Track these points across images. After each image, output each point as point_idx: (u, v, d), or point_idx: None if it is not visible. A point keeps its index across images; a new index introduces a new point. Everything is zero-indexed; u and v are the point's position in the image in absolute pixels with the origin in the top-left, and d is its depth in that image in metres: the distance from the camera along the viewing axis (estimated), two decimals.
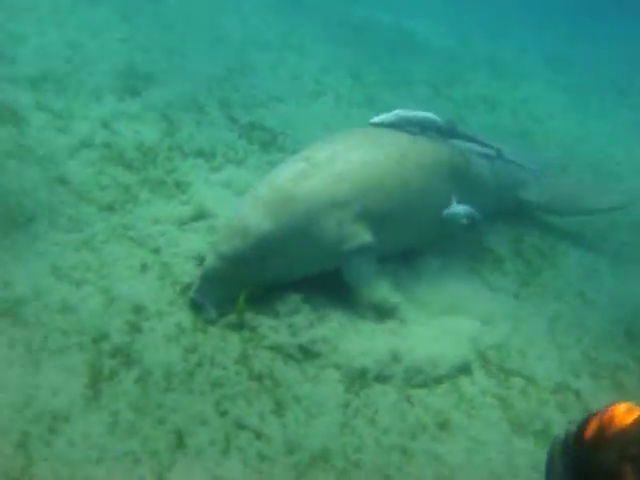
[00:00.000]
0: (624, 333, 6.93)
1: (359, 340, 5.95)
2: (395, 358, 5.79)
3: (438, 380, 5.77)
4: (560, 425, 5.45)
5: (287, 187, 6.28)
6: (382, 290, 6.44)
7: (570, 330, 6.80)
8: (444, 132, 7.40)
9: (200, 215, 7.03)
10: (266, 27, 13.79)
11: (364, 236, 6.43)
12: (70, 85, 9.27)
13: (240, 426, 5.05)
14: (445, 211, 6.89)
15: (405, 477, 4.94)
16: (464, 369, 5.93)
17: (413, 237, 7.06)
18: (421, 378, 5.74)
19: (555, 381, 6.11)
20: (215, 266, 6.02)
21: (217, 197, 7.32)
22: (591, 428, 1.51)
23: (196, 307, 5.93)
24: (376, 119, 7.29)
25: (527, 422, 5.61)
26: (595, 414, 1.56)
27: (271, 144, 9.10)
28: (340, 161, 6.58)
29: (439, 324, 6.29)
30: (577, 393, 6.04)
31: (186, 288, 6.10)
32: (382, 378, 5.68)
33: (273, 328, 5.88)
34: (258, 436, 5.01)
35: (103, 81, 9.67)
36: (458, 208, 6.88)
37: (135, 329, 5.63)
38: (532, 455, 5.29)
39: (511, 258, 7.83)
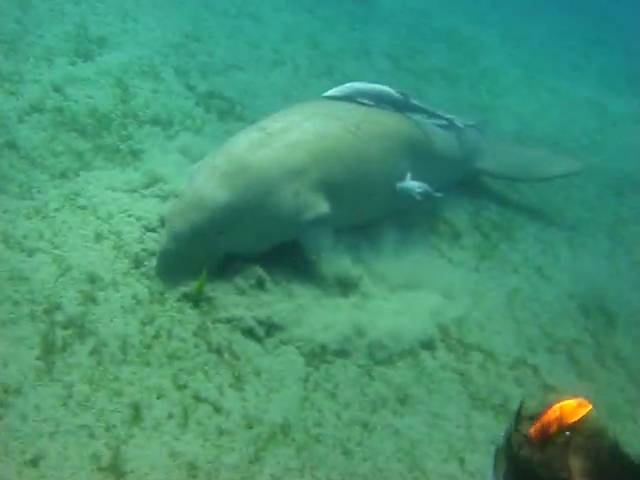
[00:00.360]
0: (580, 308, 6.99)
1: (321, 314, 5.86)
2: (358, 332, 5.74)
3: (400, 355, 5.72)
4: (518, 400, 5.47)
5: (242, 157, 6.15)
6: (343, 263, 6.38)
7: (528, 305, 6.83)
8: (399, 105, 7.35)
9: (155, 182, 6.85)
10: None
11: (321, 206, 6.36)
12: (20, 47, 8.93)
13: (199, 399, 4.94)
14: (399, 184, 6.89)
15: (366, 451, 4.90)
16: (426, 344, 5.90)
17: (370, 209, 7.01)
18: (383, 353, 5.70)
19: (513, 356, 6.13)
20: (171, 247, 5.85)
21: (173, 164, 7.14)
22: (540, 426, 1.46)
23: (153, 280, 5.77)
24: (330, 92, 7.21)
25: (486, 397, 5.62)
26: (542, 412, 1.51)
27: (229, 113, 8.90)
28: (296, 131, 6.50)
29: (401, 298, 6.25)
30: (534, 368, 6.07)
31: (142, 259, 5.93)
32: (343, 353, 5.63)
33: (233, 301, 5.76)
34: (217, 410, 4.92)
35: (54, 44, 9.33)
36: (411, 184, 6.88)
37: (89, 299, 5.46)
38: (491, 429, 5.30)
39: (469, 232, 7.83)
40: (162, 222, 6.17)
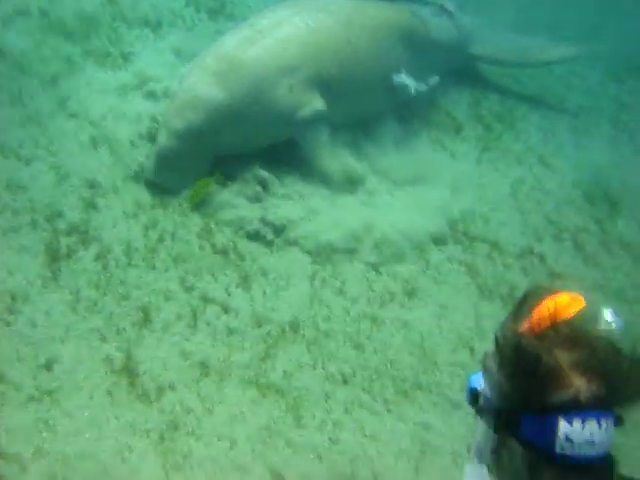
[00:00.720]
0: (584, 195, 6.92)
1: (329, 213, 5.80)
2: (366, 229, 5.68)
3: (408, 250, 5.68)
4: (524, 288, 5.47)
5: (234, 54, 6.02)
6: (345, 160, 6.28)
7: (532, 194, 6.76)
8: None
9: (146, 83, 6.67)
10: None
11: (316, 103, 6.23)
12: None
13: (206, 300, 4.93)
14: (396, 78, 6.75)
15: (375, 344, 4.92)
16: (435, 238, 5.85)
17: (366, 104, 6.81)
18: (391, 249, 5.65)
19: (519, 245, 6.10)
20: (169, 144, 5.75)
21: (164, 65, 6.96)
22: (532, 321, 1.41)
23: (153, 185, 5.69)
24: None
25: (493, 287, 5.61)
26: (534, 305, 1.46)
27: (220, 12, 8.59)
28: (286, 26, 6.33)
29: (407, 194, 6.18)
30: (540, 257, 6.05)
31: (139, 163, 5.84)
32: (350, 250, 5.57)
33: (237, 203, 5.69)
34: (225, 310, 4.92)
35: None
36: (407, 80, 6.73)
37: (90, 206, 5.40)
38: (499, 318, 5.26)
39: (470, 123, 7.68)
40: (157, 123, 6.04)
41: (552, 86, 8.83)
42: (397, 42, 6.93)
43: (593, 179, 7.06)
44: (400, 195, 6.11)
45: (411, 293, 5.35)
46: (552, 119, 8.13)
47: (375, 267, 5.50)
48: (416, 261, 5.65)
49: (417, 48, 7.08)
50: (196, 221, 5.50)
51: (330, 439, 4.23)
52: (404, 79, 6.72)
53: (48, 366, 4.29)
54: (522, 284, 5.65)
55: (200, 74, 5.96)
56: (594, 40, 9.97)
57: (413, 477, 4.13)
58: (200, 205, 5.58)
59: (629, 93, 9.10)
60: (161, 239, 5.26)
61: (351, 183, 6.16)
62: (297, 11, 6.52)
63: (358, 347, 4.87)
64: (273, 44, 6.14)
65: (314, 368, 4.65)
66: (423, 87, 6.84)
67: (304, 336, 4.84)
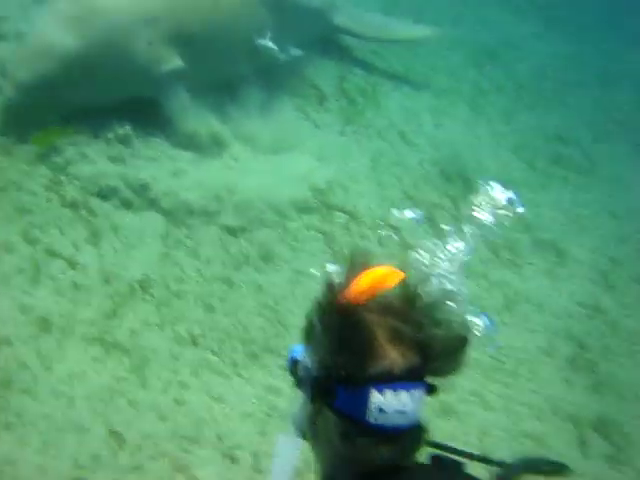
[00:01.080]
0: (440, 173, 7.06)
1: (191, 175, 5.61)
2: (228, 192, 5.54)
3: (267, 215, 5.59)
4: (380, 258, 5.53)
5: (89, 0, 5.60)
6: (210, 122, 6.11)
7: (391, 169, 6.83)
8: None
9: None
10: None
11: (176, 60, 5.96)
12: None
13: (52, 254, 4.68)
14: (259, 40, 6.63)
15: (228, 307, 4.83)
16: (296, 206, 5.79)
17: (227, 64, 6.60)
18: (252, 213, 5.54)
19: (375, 217, 6.14)
20: (16, 98, 5.38)
21: (15, 3, 6.52)
22: (351, 291, 1.41)
23: None
24: None
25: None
26: (354, 275, 1.45)
27: None
28: None
29: (272, 160, 6.07)
30: (395, 229, 6.11)
31: None
32: (208, 212, 5.43)
33: (93, 158, 5.42)
34: (72, 265, 4.69)
35: None
36: (270, 44, 6.65)
37: None
38: None
39: (335, 95, 7.66)
40: (2, 69, 5.65)
41: (417, 66, 8.95)
42: (261, 4, 6.77)
43: (450, 158, 7.21)
44: (264, 160, 6.00)
45: (266, 257, 5.27)
46: (415, 98, 8.25)
47: (233, 231, 5.38)
48: (275, 226, 5.56)
49: (280, 12, 6.89)
50: (44, 172, 5.20)
51: (175, 400, 4.11)
52: (268, 42, 6.60)
53: None
54: (377, 255, 5.70)
55: (51, 19, 5.54)
56: (458, 24, 10.26)
57: (258, 440, 4.07)
58: (48, 155, 5.25)
59: (487, 78, 9.36)
60: (4, 188, 4.94)
61: (216, 146, 5.98)
62: None
63: (209, 308, 4.77)
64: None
65: (162, 329, 4.51)
66: (283, 56, 6.72)
67: (154, 296, 4.69)
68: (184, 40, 6.02)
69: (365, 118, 7.44)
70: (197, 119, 6.03)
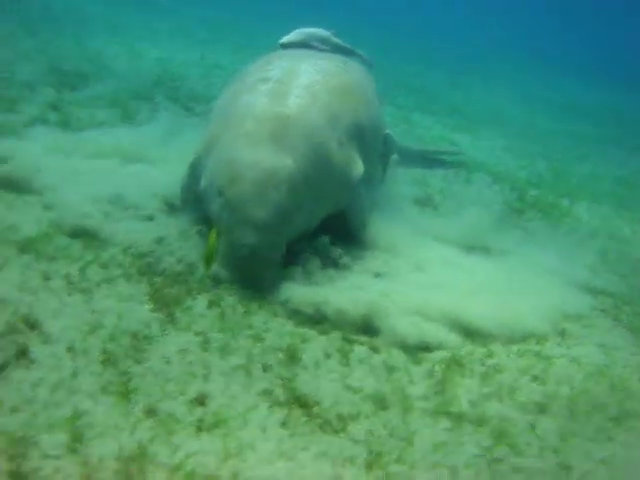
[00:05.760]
0: None
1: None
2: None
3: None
4: None
5: (277, 112, 4.97)
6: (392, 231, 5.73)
7: None
8: (333, 44, 6.90)
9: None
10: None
11: (360, 162, 5.41)
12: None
13: (350, 341, 4.22)
14: (387, 131, 6.62)
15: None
16: None
17: (374, 166, 6.18)
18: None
19: None
20: (264, 241, 4.56)
21: None
22: None
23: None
24: (285, 39, 6.75)
25: None
26: None
27: None
28: (301, 73, 5.46)
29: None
30: None
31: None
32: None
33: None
34: (375, 349, 4.19)
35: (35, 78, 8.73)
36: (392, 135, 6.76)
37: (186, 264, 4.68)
38: None
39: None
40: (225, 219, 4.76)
41: None
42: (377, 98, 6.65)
43: None
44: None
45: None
46: None
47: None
48: None
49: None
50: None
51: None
52: (391, 133, 6.64)
53: (200, 401, 3.43)
54: None
55: (250, 143, 4.81)
56: None
57: None
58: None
59: None
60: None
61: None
62: (294, 59, 5.80)
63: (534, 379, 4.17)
64: (305, 94, 5.21)
65: (501, 400, 3.92)
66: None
67: (473, 370, 4.12)
68: (359, 138, 5.58)
69: None
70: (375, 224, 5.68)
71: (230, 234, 4.60)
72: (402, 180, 7.74)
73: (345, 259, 5.20)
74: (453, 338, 4.43)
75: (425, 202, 7.23)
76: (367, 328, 4.40)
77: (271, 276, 4.63)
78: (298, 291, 4.57)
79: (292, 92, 5.20)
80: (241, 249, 4.54)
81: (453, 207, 7.24)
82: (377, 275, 5.14)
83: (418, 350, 4.28)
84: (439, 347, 4.34)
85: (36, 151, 5.92)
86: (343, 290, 4.66)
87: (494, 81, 18.43)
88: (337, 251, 5.20)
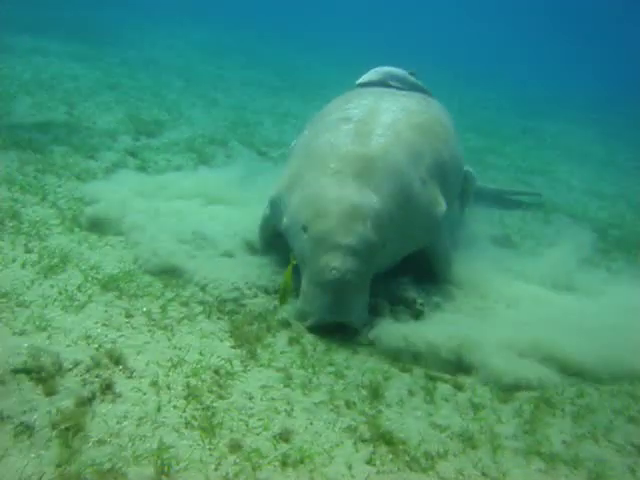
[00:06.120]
0: None
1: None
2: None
3: None
4: None
5: (359, 151, 4.98)
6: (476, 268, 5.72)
7: None
8: (410, 84, 6.83)
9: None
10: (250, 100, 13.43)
11: (442, 199, 5.36)
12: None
13: (433, 379, 4.10)
14: (467, 168, 6.67)
15: None
16: None
17: (454, 196, 6.23)
18: None
19: None
20: (352, 266, 4.44)
21: None
22: None
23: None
24: (362, 79, 6.76)
25: None
26: None
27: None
28: (383, 112, 5.50)
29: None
30: None
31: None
32: None
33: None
34: (458, 387, 4.07)
35: (115, 127, 8.96)
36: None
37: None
38: None
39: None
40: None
41: None
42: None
43: None
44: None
45: None
46: None
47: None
48: None
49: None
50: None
51: None
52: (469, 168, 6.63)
53: (284, 436, 3.36)
54: None
55: (335, 181, 4.79)
56: None
57: None
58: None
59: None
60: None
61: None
62: (374, 97, 5.84)
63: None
64: (389, 133, 5.24)
65: (596, 441, 3.74)
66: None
67: (563, 410, 3.96)
68: (441, 175, 5.53)
69: None
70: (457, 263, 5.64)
71: (316, 263, 4.50)
72: (479, 219, 7.63)
73: (436, 298, 5.21)
74: (549, 375, 4.28)
75: (503, 242, 7.10)
76: (459, 363, 4.30)
77: (358, 304, 4.54)
78: (387, 324, 4.54)
79: (375, 131, 5.23)
80: (330, 272, 4.42)
81: (532, 247, 7.10)
82: (468, 314, 5.05)
83: (506, 388, 4.14)
84: (536, 384, 4.20)
85: (121, 194, 6.02)
86: (433, 325, 4.60)
87: (571, 122, 18.14)
88: (418, 302, 4.98)
